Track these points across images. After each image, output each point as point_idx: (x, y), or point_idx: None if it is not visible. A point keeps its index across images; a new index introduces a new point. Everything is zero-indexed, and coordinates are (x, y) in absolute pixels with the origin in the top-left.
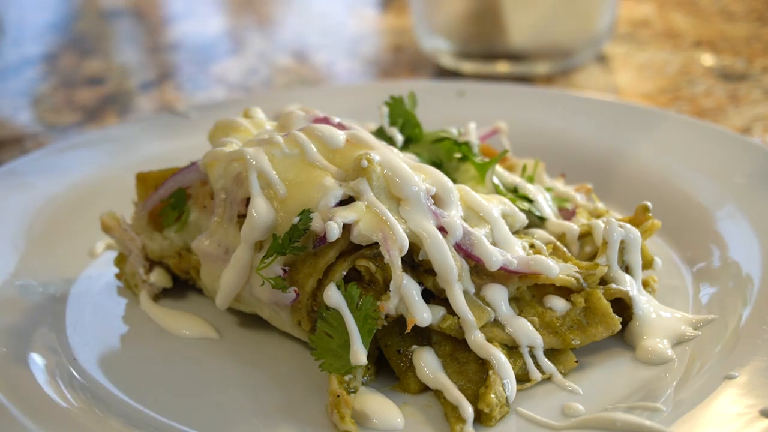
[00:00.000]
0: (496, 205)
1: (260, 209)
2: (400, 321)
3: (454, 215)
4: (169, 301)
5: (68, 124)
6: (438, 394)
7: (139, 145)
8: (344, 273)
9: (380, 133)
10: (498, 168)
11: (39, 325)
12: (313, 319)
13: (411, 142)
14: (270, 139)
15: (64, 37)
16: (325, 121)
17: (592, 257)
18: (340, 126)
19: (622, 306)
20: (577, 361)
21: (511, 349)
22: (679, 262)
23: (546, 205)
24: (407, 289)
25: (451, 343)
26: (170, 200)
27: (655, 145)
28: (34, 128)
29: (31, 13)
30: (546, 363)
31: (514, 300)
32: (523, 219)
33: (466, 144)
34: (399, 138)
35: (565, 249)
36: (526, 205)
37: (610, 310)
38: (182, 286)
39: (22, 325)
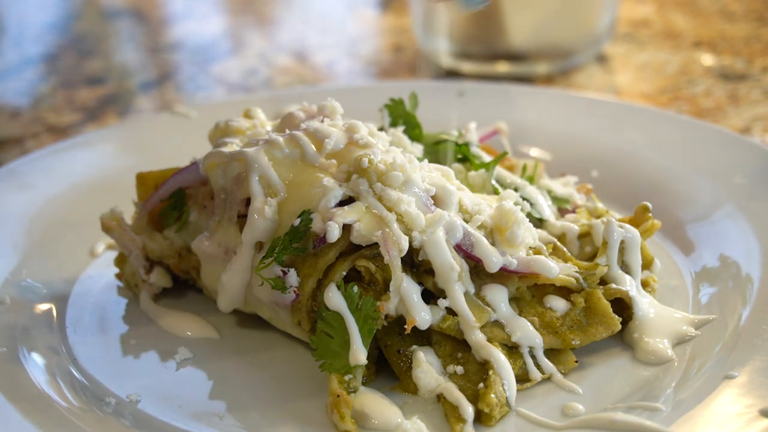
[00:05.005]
0: None
1: (260, 210)
2: (400, 321)
3: (454, 216)
4: (169, 301)
5: (68, 124)
6: (438, 394)
7: (139, 145)
8: (344, 273)
9: None
10: (498, 168)
11: (39, 325)
12: (313, 319)
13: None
14: (270, 139)
15: (64, 37)
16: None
17: (592, 257)
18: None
19: (622, 306)
20: (577, 361)
21: (511, 349)
22: (679, 262)
23: (546, 206)
24: (407, 290)
25: (451, 343)
26: (170, 200)
27: (655, 145)
28: (34, 128)
29: (31, 13)
30: (546, 363)
31: (514, 300)
32: None
33: (466, 145)
34: (406, 142)
35: (565, 249)
36: (526, 206)
37: (610, 310)
38: (182, 286)
39: (22, 325)
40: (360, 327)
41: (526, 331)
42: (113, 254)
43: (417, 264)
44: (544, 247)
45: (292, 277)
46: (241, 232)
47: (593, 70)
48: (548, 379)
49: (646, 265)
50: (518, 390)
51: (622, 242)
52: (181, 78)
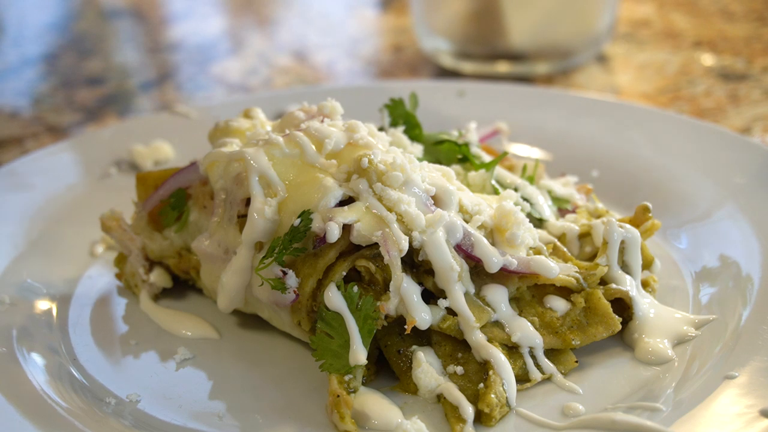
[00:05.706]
0: None
1: (260, 210)
2: (400, 321)
3: (454, 216)
4: (169, 301)
5: (68, 124)
6: (438, 394)
7: (138, 146)
8: (344, 273)
9: None
10: (498, 168)
11: (39, 325)
12: (313, 319)
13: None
14: (270, 139)
15: (64, 37)
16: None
17: (592, 257)
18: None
19: (622, 306)
20: (577, 361)
21: (511, 349)
22: (679, 262)
23: (546, 206)
24: (407, 290)
25: (451, 343)
26: (170, 200)
27: (655, 145)
28: (34, 128)
29: (31, 13)
30: (546, 363)
31: (514, 300)
32: None
33: (466, 145)
34: (406, 142)
35: (565, 249)
36: (527, 206)
37: (610, 310)
38: (182, 286)
39: (22, 325)
40: (360, 327)
41: (526, 332)
42: (113, 254)
43: (417, 264)
44: (544, 247)
45: (291, 279)
46: (241, 232)
47: (593, 70)
48: (548, 379)
49: (647, 265)
50: (518, 390)
51: (623, 242)
52: (180, 78)
